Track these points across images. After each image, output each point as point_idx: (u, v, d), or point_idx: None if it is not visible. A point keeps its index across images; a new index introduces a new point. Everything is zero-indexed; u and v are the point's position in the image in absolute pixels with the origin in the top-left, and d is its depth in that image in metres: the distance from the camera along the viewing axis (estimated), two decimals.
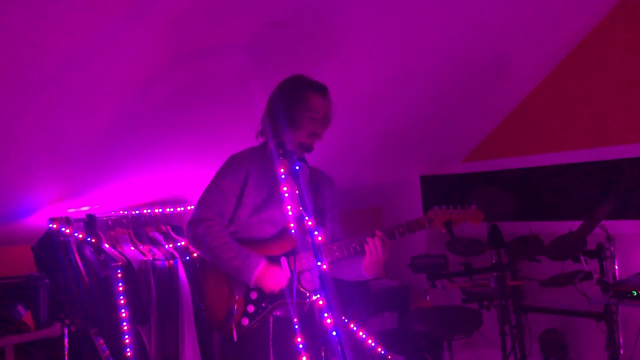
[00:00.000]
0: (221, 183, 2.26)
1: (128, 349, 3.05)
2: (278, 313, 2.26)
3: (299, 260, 2.27)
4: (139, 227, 3.46)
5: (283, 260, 2.26)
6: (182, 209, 3.63)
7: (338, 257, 2.27)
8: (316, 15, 2.64)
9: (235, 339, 2.20)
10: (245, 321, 2.21)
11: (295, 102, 2.27)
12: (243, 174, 2.26)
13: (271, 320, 2.24)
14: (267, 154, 2.34)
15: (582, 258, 3.47)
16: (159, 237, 3.49)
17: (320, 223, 2.31)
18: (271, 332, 2.23)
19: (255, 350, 2.22)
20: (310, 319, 2.31)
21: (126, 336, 3.05)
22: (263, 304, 2.22)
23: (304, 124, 2.28)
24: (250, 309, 2.21)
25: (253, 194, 2.26)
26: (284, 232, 2.29)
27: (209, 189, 2.28)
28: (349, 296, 3.78)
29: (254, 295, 2.23)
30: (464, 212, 2.31)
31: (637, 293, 3.02)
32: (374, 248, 2.20)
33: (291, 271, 2.26)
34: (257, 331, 2.22)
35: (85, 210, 3.29)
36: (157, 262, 3.28)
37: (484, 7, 3.16)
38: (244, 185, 2.25)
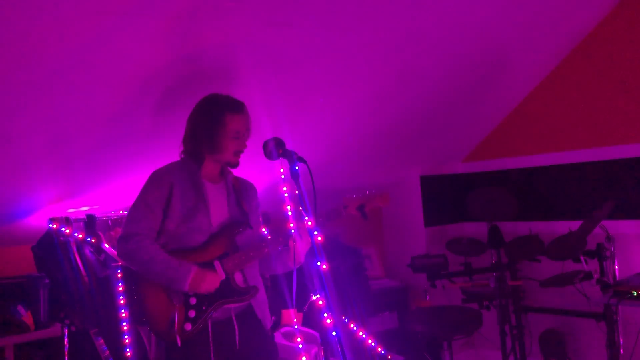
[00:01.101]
0: (146, 198, 2.32)
1: (128, 349, 3.05)
2: (216, 315, 2.31)
3: (231, 260, 2.34)
4: None
5: (216, 263, 2.33)
6: None
7: (267, 253, 2.40)
8: (316, 15, 2.64)
9: (180, 344, 2.24)
10: (189, 326, 2.26)
11: (216, 127, 2.35)
12: (167, 187, 2.32)
13: (209, 323, 2.30)
14: (191, 168, 2.40)
15: (582, 258, 3.48)
16: None
17: (247, 225, 2.42)
18: (210, 334, 2.29)
19: (197, 354, 2.28)
20: (246, 317, 2.40)
21: (126, 336, 3.05)
22: (203, 307, 2.29)
23: (228, 146, 2.37)
24: (192, 314, 2.27)
25: (179, 205, 2.32)
26: (213, 237, 2.36)
27: (135, 206, 2.33)
28: (349, 296, 3.78)
29: (193, 301, 2.29)
30: (372, 195, 2.45)
31: (637, 293, 3.02)
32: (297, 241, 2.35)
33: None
34: (198, 335, 2.28)
35: (85, 210, 3.29)
36: None
37: (484, 7, 3.16)
38: (169, 197, 2.31)
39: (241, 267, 2.37)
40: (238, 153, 2.41)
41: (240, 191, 2.52)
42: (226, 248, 2.36)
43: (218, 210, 2.40)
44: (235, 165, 2.43)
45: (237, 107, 2.39)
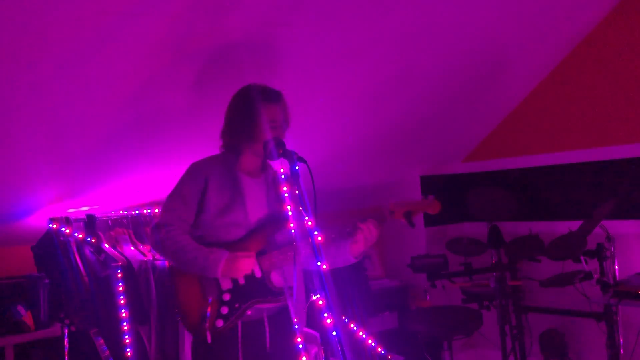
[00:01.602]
0: (182, 189, 2.31)
1: (128, 349, 3.05)
2: (248, 313, 2.28)
3: (268, 259, 2.30)
4: (139, 227, 3.46)
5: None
6: None
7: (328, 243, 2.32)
8: (316, 15, 2.64)
9: (210, 341, 2.22)
10: (220, 323, 2.24)
11: (251, 117, 2.31)
12: (202, 180, 2.30)
13: (240, 323, 2.27)
14: (229, 162, 2.37)
15: (582, 258, 3.48)
16: None
17: (288, 222, 2.35)
18: (240, 333, 2.26)
19: (225, 353, 2.25)
20: (279, 318, 2.36)
21: (126, 336, 3.05)
22: (236, 305, 2.26)
23: (265, 137, 2.31)
24: (224, 310, 2.25)
25: (214, 198, 2.29)
26: (251, 233, 2.33)
27: (170, 196, 2.32)
28: (349, 296, 3.78)
29: (226, 297, 2.26)
30: (421, 202, 2.40)
31: (637, 293, 3.02)
32: (368, 232, 2.31)
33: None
34: (228, 333, 2.25)
35: (85, 210, 3.29)
36: (157, 262, 3.28)
37: (484, 7, 3.16)
38: (204, 191, 2.29)
39: (279, 267, 2.32)
40: None
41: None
42: (264, 245, 2.31)
43: (256, 206, 2.36)
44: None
45: (272, 96, 2.34)
